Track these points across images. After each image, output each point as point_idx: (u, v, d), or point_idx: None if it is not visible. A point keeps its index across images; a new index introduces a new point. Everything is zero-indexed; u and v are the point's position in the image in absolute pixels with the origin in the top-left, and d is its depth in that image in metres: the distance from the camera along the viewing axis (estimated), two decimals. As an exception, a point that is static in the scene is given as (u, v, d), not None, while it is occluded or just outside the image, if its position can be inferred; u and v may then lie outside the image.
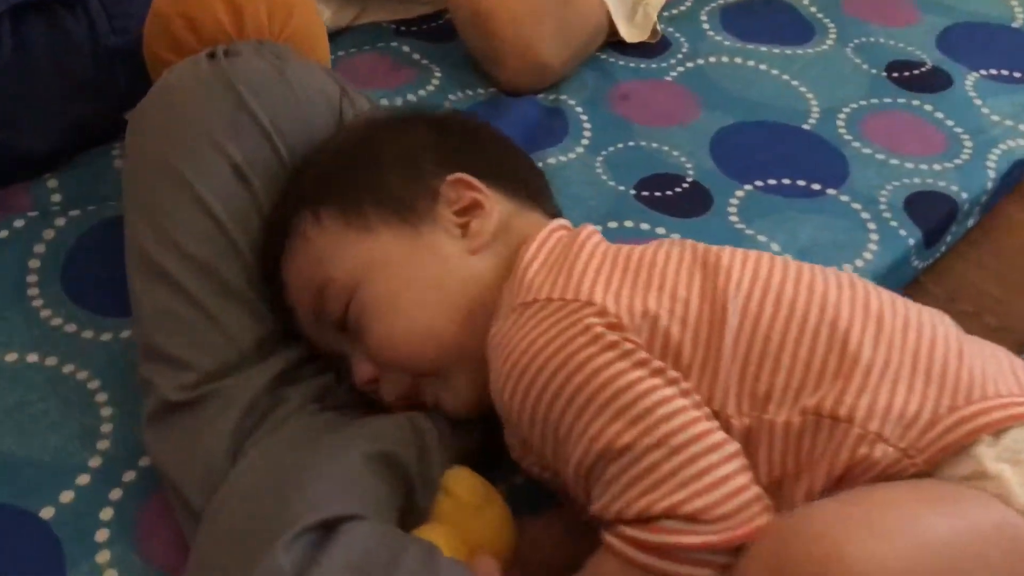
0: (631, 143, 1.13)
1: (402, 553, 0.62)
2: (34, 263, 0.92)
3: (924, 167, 1.13)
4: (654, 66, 1.26)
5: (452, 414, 0.75)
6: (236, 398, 0.74)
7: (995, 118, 1.20)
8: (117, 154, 1.02)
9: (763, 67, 1.27)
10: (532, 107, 1.15)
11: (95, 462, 0.78)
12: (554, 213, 0.83)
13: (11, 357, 0.85)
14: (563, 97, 1.19)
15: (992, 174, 1.12)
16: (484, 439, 0.76)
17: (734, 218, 1.04)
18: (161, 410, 0.75)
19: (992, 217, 1.15)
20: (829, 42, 1.32)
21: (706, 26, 1.34)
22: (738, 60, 1.28)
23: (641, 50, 1.28)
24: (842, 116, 1.20)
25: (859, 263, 1.00)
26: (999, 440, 0.60)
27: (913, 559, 0.54)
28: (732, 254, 0.70)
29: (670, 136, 1.15)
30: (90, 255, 0.93)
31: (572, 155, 1.10)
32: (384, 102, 1.12)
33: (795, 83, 1.25)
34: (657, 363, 0.63)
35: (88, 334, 0.87)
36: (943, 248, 1.10)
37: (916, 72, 1.28)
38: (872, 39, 1.33)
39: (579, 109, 1.17)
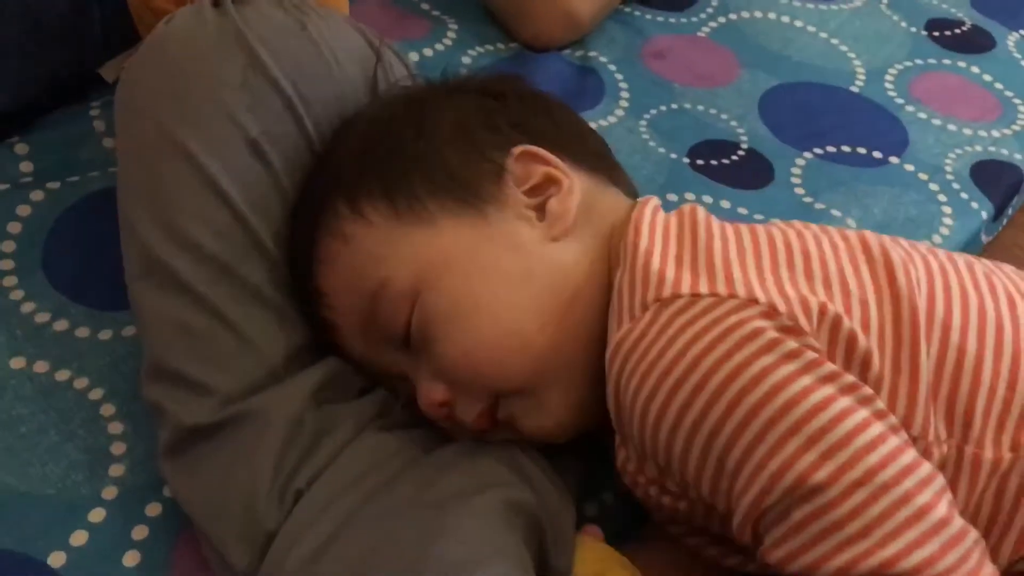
0: (674, 105, 1.02)
1: None
2: (8, 246, 0.76)
3: (983, 134, 1.05)
4: (684, 20, 1.15)
5: (536, 438, 0.62)
6: (273, 420, 0.60)
7: (1042, 80, 1.13)
8: (96, 114, 0.87)
9: (798, 23, 1.17)
10: (563, 65, 1.03)
11: (109, 493, 0.64)
12: (632, 190, 0.71)
13: (-10, 363, 0.70)
14: (592, 54, 1.07)
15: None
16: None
17: (800, 190, 0.94)
18: (180, 439, 0.61)
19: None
20: (862, -3, 1.24)
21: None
22: (772, 15, 1.18)
23: (666, 2, 1.17)
24: (889, 78, 1.11)
25: (936, 239, 0.92)
26: None
27: None
28: (893, 240, 0.60)
29: (714, 98, 1.04)
30: (77, 236, 0.78)
31: (612, 119, 0.99)
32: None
33: (834, 41, 1.15)
34: (849, 378, 0.51)
35: (82, 332, 0.72)
36: (1004, 222, 1.03)
37: (957, 32, 1.20)
38: (906, -5, 1.25)
39: (612, 67, 1.05)
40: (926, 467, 0.50)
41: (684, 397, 0.52)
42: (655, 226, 0.61)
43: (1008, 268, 0.62)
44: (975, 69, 1.14)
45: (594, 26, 1.09)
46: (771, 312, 0.53)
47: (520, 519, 0.57)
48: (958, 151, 1.02)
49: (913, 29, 1.19)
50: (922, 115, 1.06)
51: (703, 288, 0.55)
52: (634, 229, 0.61)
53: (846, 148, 1.00)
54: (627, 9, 1.15)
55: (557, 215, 0.62)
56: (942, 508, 0.49)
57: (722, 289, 0.55)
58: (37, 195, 0.79)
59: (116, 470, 0.65)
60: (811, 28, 1.17)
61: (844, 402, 0.50)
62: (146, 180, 0.65)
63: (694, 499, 0.57)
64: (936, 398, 0.53)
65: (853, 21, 1.19)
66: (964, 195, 0.97)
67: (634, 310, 0.57)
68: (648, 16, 1.15)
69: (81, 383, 0.69)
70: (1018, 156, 1.02)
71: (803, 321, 0.53)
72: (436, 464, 0.60)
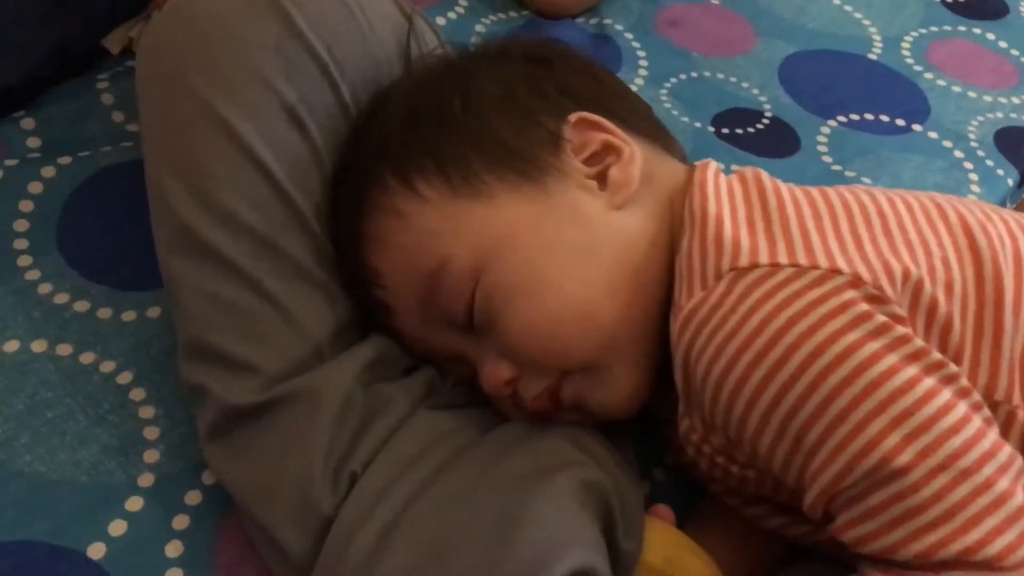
0: (693, 74, 1.00)
1: None
2: (21, 224, 0.73)
3: (1003, 100, 1.04)
4: (696, -12, 1.13)
5: (601, 416, 0.60)
6: (323, 401, 0.57)
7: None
8: (104, 87, 0.83)
9: (810, -11, 1.15)
10: (579, 33, 1.01)
11: (146, 480, 0.61)
12: (684, 155, 0.69)
13: (10, 347, 0.66)
14: (607, 22, 1.04)
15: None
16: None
17: (827, 158, 0.92)
18: (225, 420, 0.58)
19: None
20: (872, -37, 1.22)
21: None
22: (784, -18, 1.16)
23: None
24: (906, 45, 1.09)
25: (965, 208, 0.90)
26: None
27: None
28: (959, 201, 0.58)
29: (734, 67, 1.02)
30: (92, 214, 0.74)
31: (633, 87, 0.96)
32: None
33: (848, 8, 1.13)
34: (935, 356, 0.50)
35: (104, 313, 0.69)
36: (1026, 189, 1.02)
37: (970, -3, 1.19)
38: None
39: (629, 36, 1.03)
40: (1005, 451, 0.49)
41: (764, 372, 0.50)
42: (719, 189, 0.59)
43: None
44: (990, 35, 1.13)
45: (606, -8, 1.07)
46: (856, 281, 0.51)
47: (592, 500, 0.55)
48: (980, 118, 1.01)
49: (926, -5, 1.18)
50: (941, 82, 1.04)
51: (782, 258, 0.53)
52: (700, 192, 0.58)
53: (869, 116, 0.98)
54: (638, -24, 1.12)
55: (620, 183, 0.59)
56: (1020, 495, 0.48)
57: (803, 259, 0.52)
58: (48, 171, 0.75)
59: (151, 456, 0.62)
60: (823, -6, 1.15)
61: (929, 382, 0.49)
62: (179, 151, 0.61)
63: (763, 470, 0.55)
64: (1022, 360, 0.52)
65: (866, -12, 1.18)
66: (989, 162, 0.95)
67: (707, 278, 0.54)
68: (660, -17, 1.12)
69: (108, 366, 0.66)
70: (1039, 123, 1.01)
71: (888, 288, 0.51)
72: (497, 444, 0.58)
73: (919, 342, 0.50)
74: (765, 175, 0.60)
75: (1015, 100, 1.04)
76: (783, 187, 0.59)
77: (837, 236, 0.54)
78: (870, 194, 0.58)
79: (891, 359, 0.49)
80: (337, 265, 0.62)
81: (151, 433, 0.63)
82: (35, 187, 0.74)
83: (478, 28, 1.00)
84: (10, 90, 0.78)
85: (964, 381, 0.50)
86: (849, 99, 1.00)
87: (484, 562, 0.50)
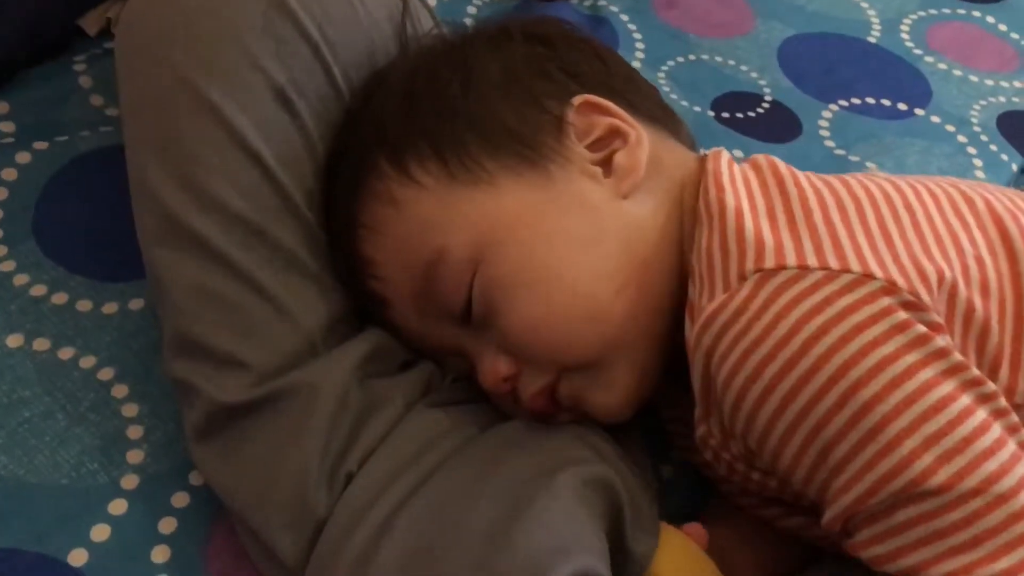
0: (691, 56, 0.98)
1: None
2: (-6, 213, 0.69)
3: (1005, 84, 1.02)
4: (691, -31, 1.10)
5: (599, 417, 0.57)
6: (317, 397, 0.54)
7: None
8: (81, 70, 0.79)
9: (807, -29, 1.13)
10: (572, 14, 0.98)
11: (129, 482, 0.58)
12: (692, 140, 0.66)
13: (-16, 341, 0.63)
14: (602, 3, 1.02)
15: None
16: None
17: (830, 143, 0.90)
18: (213, 419, 0.55)
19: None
20: (867, -55, 1.19)
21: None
22: (780, -37, 1.13)
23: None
24: (905, 28, 1.07)
25: (971, 193, 0.88)
26: None
27: None
28: (981, 186, 0.56)
29: (732, 49, 0.99)
30: (70, 201, 0.71)
31: (629, 70, 0.93)
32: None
33: (845, -10, 1.11)
34: (973, 372, 0.47)
35: (84, 306, 0.66)
36: (1030, 173, 1.00)
37: (969, -21, 1.16)
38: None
39: (624, 17, 1.00)
40: None
41: (791, 384, 0.48)
42: (735, 179, 0.56)
43: None
44: (990, 19, 1.11)
45: (600, -28, 1.04)
46: (891, 288, 0.48)
47: (597, 498, 0.52)
48: (982, 102, 0.98)
49: (924, -23, 1.16)
50: (942, 66, 1.02)
51: (811, 260, 0.50)
52: (715, 183, 0.55)
53: (870, 100, 0.96)
54: (633, -43, 1.09)
55: (626, 170, 0.57)
56: None
57: (833, 262, 0.49)
58: (23, 157, 0.72)
59: (135, 456, 0.59)
60: (820, -24, 1.13)
61: (964, 400, 0.46)
62: (163, 135, 0.58)
63: (783, 480, 0.53)
64: None
65: (863, -31, 1.15)
66: (993, 147, 0.93)
67: (729, 279, 0.51)
68: (653, -36, 1.09)
69: (88, 362, 0.63)
70: (1042, 107, 0.99)
71: (924, 294, 0.48)
72: (498, 441, 0.55)
73: (957, 356, 0.47)
74: (780, 163, 0.57)
75: (1016, 84, 1.02)
76: (800, 175, 0.56)
77: (866, 231, 0.51)
78: (892, 183, 0.55)
79: (926, 374, 0.46)
80: (331, 255, 0.59)
81: (135, 432, 0.60)
82: (9, 174, 0.71)
83: (470, 10, 0.97)
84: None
85: (1002, 401, 0.47)
86: (850, 83, 0.97)
87: (479, 567, 0.47)
